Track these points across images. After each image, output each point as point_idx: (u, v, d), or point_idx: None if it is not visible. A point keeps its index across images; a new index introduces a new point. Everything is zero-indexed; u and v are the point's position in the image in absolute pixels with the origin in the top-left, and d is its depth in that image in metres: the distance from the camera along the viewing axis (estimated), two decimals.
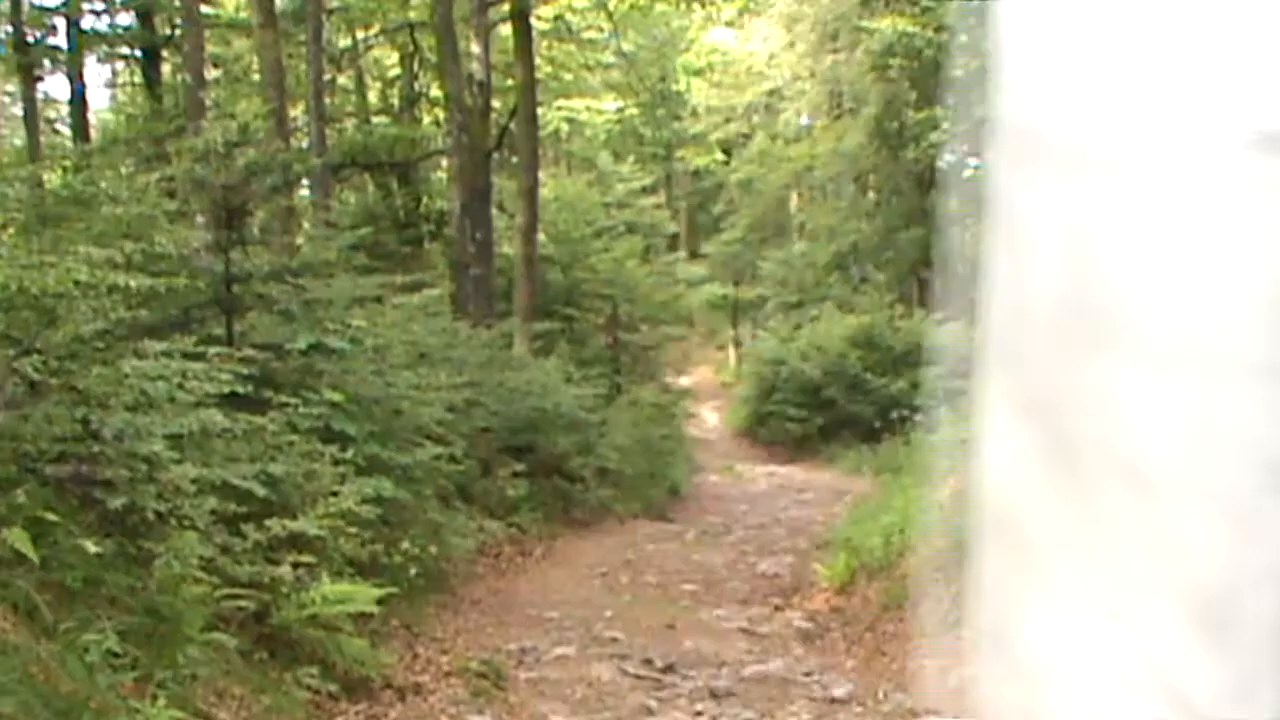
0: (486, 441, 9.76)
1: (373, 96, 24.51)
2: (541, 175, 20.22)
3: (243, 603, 4.40)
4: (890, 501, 9.42)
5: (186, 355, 4.65)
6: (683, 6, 26.48)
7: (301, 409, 5.80)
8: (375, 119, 22.99)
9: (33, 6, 16.61)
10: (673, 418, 17.13)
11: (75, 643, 3.29)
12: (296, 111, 18.16)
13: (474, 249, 15.54)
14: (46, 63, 17.51)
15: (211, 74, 18.25)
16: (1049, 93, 1.18)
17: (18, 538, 3.27)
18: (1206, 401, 1.08)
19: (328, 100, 18.15)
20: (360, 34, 21.89)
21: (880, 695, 5.51)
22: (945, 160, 27.84)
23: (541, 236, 18.09)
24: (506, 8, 17.06)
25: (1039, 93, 1.19)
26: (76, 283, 3.74)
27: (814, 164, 28.52)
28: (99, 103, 26.89)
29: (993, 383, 1.28)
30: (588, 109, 26.73)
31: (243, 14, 19.26)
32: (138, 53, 18.69)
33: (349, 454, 5.78)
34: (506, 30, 17.82)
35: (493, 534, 8.11)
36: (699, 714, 5.26)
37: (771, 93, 29.06)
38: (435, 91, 21.22)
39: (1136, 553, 1.13)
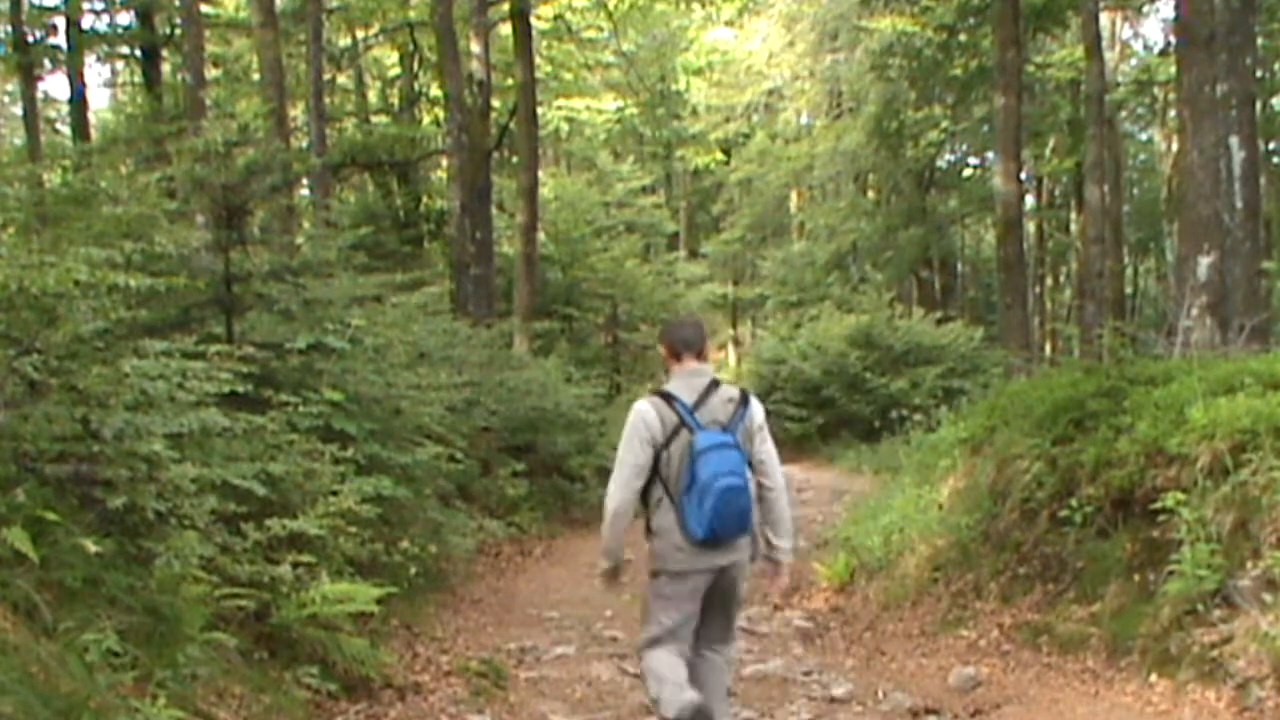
0: (486, 441, 9.76)
1: (372, 96, 24.51)
2: (541, 175, 20.23)
3: (243, 602, 4.40)
4: (890, 501, 9.42)
5: (186, 355, 4.65)
6: (682, 6, 26.47)
7: (301, 408, 5.80)
8: (375, 119, 22.99)
9: (33, 6, 16.61)
10: None
11: (75, 642, 3.29)
12: (296, 111, 18.17)
13: (474, 248, 15.54)
14: (46, 62, 17.52)
15: (211, 74, 18.25)
16: None
17: (18, 537, 3.27)
18: None
19: (328, 100, 18.15)
20: (360, 34, 21.89)
21: (880, 694, 5.52)
22: (944, 159, 27.88)
23: (541, 236, 18.10)
24: (506, 7, 17.07)
25: None
26: (76, 282, 3.73)
27: (813, 163, 28.52)
28: (99, 102, 26.94)
29: None
30: (588, 108, 26.71)
31: (243, 14, 19.26)
32: (137, 52, 18.70)
33: (349, 453, 5.78)
34: (506, 30, 17.82)
35: (492, 533, 8.11)
36: None
37: (771, 92, 29.03)
38: (435, 91, 21.22)
39: None
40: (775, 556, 4.31)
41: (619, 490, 4.12)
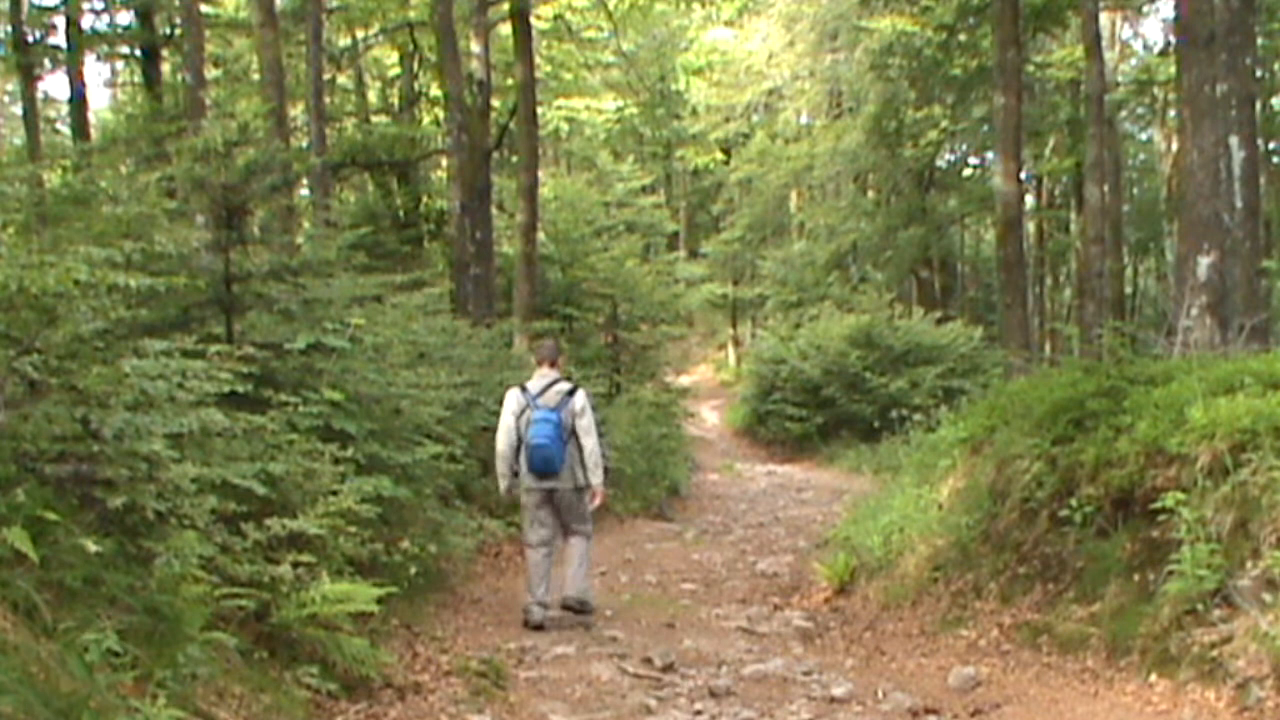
0: (486, 440, 9.73)
1: (372, 96, 24.50)
2: (541, 174, 20.20)
3: (243, 602, 4.40)
4: (889, 501, 9.42)
5: (186, 354, 4.64)
6: (682, 6, 26.48)
7: (301, 408, 5.79)
8: (375, 118, 22.97)
9: (33, 6, 16.61)
10: (672, 417, 17.10)
11: (75, 642, 3.29)
12: (296, 111, 18.16)
13: (474, 248, 15.54)
14: (46, 62, 17.51)
15: (211, 73, 18.24)
16: None
17: (18, 537, 3.26)
18: None
19: (327, 100, 18.14)
20: (360, 33, 21.88)
21: (879, 694, 5.52)
22: (944, 159, 27.87)
23: (541, 236, 18.07)
24: (506, 7, 17.05)
25: None
26: (76, 282, 3.72)
27: (813, 163, 28.50)
28: (99, 102, 26.98)
29: None
30: (587, 108, 26.70)
31: (243, 13, 19.25)
32: (137, 52, 18.69)
33: (349, 453, 5.77)
34: (506, 30, 17.81)
35: (492, 533, 8.09)
36: (698, 713, 5.26)
37: (771, 92, 29.03)
38: (435, 91, 21.21)
39: None
40: (589, 483, 7.08)
41: (497, 442, 7.10)
